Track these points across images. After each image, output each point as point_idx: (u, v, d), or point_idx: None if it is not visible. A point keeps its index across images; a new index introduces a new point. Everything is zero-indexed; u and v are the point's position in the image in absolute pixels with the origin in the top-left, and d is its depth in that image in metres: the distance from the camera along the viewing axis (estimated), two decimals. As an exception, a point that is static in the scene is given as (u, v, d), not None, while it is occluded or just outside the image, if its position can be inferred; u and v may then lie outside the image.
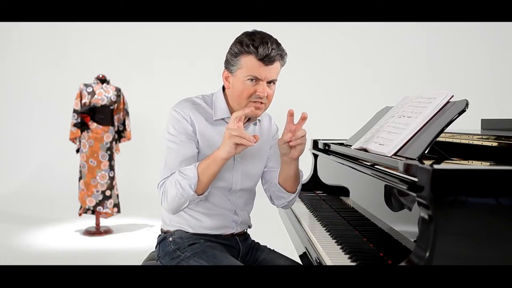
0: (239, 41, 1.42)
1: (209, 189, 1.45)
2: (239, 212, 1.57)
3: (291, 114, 1.46)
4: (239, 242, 1.57)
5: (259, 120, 1.60)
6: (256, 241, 1.67)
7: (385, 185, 1.26)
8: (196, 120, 1.48)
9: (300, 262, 1.56)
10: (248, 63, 1.40)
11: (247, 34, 1.43)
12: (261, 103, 1.45)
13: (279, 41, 1.44)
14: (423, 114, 1.34)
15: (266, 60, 1.39)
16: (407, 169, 1.09)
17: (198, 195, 1.40)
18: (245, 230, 1.64)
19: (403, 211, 1.15)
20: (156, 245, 1.58)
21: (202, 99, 1.55)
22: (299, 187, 1.62)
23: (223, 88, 1.55)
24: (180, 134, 1.46)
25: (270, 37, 1.42)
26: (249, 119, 1.55)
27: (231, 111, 1.51)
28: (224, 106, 1.52)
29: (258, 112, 1.47)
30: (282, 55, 1.43)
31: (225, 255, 1.44)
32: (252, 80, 1.42)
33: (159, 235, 1.59)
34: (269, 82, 1.44)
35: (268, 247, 1.66)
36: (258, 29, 1.46)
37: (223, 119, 1.52)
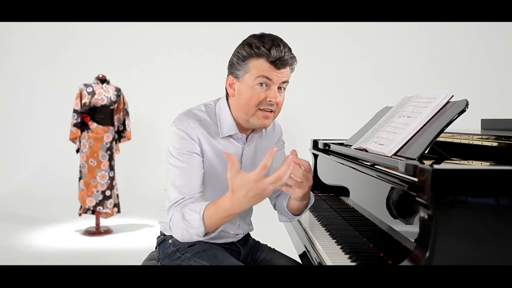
0: (247, 44, 1.31)
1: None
2: (242, 225, 1.54)
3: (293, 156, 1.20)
4: (240, 246, 1.56)
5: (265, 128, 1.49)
6: (256, 240, 1.66)
7: (385, 185, 1.26)
8: (202, 137, 1.37)
9: (300, 262, 1.56)
10: (258, 65, 1.29)
11: (256, 36, 1.32)
12: (271, 111, 1.34)
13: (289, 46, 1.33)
14: (423, 114, 1.34)
15: (279, 63, 1.28)
16: (407, 169, 1.09)
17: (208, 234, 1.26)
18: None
19: (403, 211, 1.15)
20: (156, 246, 1.58)
21: (205, 112, 1.41)
22: (306, 211, 1.49)
23: (227, 97, 1.42)
24: (186, 154, 1.34)
25: (281, 40, 1.32)
26: (253, 130, 1.45)
27: (238, 125, 1.40)
28: (230, 121, 1.39)
29: (266, 121, 1.36)
30: (293, 60, 1.32)
31: (225, 255, 1.44)
32: (262, 84, 1.30)
33: (159, 237, 1.58)
34: (279, 88, 1.33)
35: (269, 246, 1.66)
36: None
37: (230, 136, 1.41)
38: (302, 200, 1.37)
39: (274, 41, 1.29)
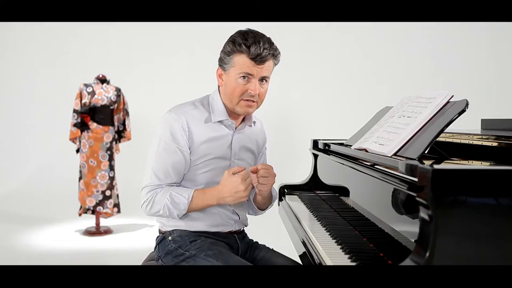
0: (232, 40, 1.45)
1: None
2: (238, 211, 1.60)
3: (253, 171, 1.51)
4: (238, 240, 1.59)
5: (254, 122, 1.64)
6: (254, 240, 1.68)
7: (385, 185, 1.26)
8: (193, 124, 1.50)
9: (300, 262, 1.56)
10: (241, 61, 1.43)
11: (240, 33, 1.45)
12: (253, 101, 1.48)
13: (272, 40, 1.46)
14: (423, 114, 1.34)
15: (258, 59, 1.42)
16: (407, 169, 1.09)
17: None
18: (242, 229, 1.65)
19: (403, 211, 1.15)
20: (155, 246, 1.58)
21: (200, 102, 1.57)
22: (270, 207, 1.72)
23: (219, 88, 1.56)
24: (173, 143, 1.48)
25: (262, 36, 1.44)
26: (243, 119, 1.59)
27: (228, 111, 1.54)
28: (221, 107, 1.54)
29: (249, 110, 1.51)
30: (274, 54, 1.45)
31: (229, 253, 1.46)
32: (244, 77, 1.44)
33: (158, 236, 1.60)
34: (261, 80, 1.46)
35: (267, 246, 1.67)
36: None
37: (221, 121, 1.54)
38: (266, 196, 1.62)
39: (255, 38, 1.42)
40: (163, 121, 1.52)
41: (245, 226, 1.68)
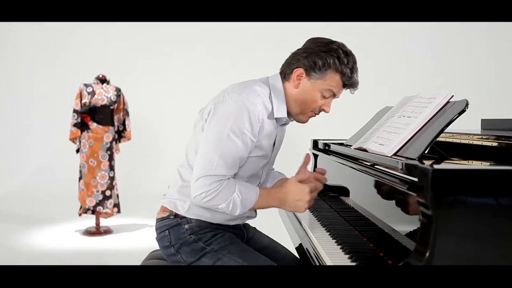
0: (337, 56, 1.37)
1: None
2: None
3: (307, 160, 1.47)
4: (244, 230, 1.60)
5: None
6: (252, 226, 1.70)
7: (385, 185, 1.26)
8: (265, 117, 1.39)
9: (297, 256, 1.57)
10: (335, 79, 1.38)
11: (344, 51, 1.38)
12: (315, 114, 1.47)
13: None
14: (423, 114, 1.34)
15: (352, 88, 1.42)
16: (407, 169, 1.09)
17: None
18: None
19: (403, 211, 1.15)
20: (166, 230, 1.45)
21: (267, 94, 1.42)
22: None
23: (286, 84, 1.44)
24: (249, 134, 1.35)
25: (356, 62, 1.41)
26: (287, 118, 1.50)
27: (289, 111, 1.45)
28: (284, 105, 1.43)
29: (307, 120, 1.48)
30: None
31: (251, 251, 1.45)
32: (325, 96, 1.41)
33: (166, 218, 1.45)
34: None
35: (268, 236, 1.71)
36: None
37: (277, 118, 1.44)
38: None
39: (355, 64, 1.40)
40: (238, 104, 1.34)
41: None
